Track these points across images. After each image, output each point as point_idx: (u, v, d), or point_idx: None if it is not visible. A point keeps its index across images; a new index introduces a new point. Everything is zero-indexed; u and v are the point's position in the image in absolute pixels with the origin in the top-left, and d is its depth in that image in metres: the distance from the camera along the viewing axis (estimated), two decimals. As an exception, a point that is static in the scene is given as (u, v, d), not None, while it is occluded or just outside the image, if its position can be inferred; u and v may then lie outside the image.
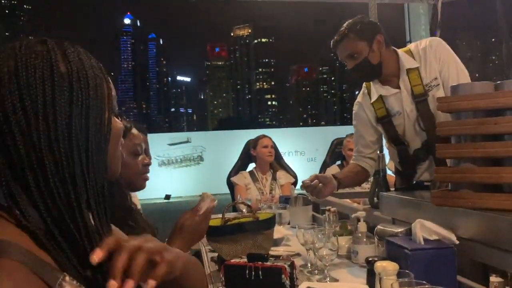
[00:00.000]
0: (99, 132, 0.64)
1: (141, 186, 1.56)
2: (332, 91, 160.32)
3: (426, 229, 1.15)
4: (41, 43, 0.63)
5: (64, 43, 0.65)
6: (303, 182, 1.87)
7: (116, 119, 0.71)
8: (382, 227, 1.39)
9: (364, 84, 1.93)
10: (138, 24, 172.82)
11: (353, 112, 1.99)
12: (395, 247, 1.17)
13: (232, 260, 1.31)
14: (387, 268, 1.09)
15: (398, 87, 1.79)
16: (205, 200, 1.31)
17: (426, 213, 1.31)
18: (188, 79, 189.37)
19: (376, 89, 1.84)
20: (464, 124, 1.21)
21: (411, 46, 1.83)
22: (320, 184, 1.81)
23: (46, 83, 0.59)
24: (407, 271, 0.98)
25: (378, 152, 1.97)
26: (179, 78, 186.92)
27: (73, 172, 0.60)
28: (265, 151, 3.20)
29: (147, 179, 1.57)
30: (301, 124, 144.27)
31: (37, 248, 0.56)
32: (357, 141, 1.99)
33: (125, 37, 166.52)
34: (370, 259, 1.21)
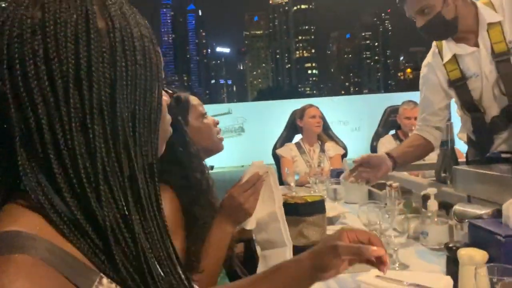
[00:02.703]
0: (149, 108, 0.51)
1: (219, 148, 1.44)
2: (376, 57, 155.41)
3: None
4: None
5: None
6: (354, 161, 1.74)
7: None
8: (461, 208, 1.21)
9: (434, 43, 1.70)
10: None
11: (421, 74, 1.76)
12: (483, 232, 0.99)
13: None
14: (474, 257, 0.92)
15: (476, 45, 1.55)
16: (249, 169, 1.17)
17: (510, 190, 1.12)
18: (227, 50, 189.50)
19: (450, 48, 1.60)
20: None
21: None
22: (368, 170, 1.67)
23: (80, 41, 0.45)
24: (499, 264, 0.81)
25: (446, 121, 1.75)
26: (218, 49, 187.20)
27: (120, 159, 0.47)
28: (313, 122, 3.01)
29: (222, 139, 1.46)
30: (343, 92, 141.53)
31: (67, 245, 0.44)
32: (424, 109, 1.77)
33: (164, 10, 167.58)
34: (451, 245, 1.04)
